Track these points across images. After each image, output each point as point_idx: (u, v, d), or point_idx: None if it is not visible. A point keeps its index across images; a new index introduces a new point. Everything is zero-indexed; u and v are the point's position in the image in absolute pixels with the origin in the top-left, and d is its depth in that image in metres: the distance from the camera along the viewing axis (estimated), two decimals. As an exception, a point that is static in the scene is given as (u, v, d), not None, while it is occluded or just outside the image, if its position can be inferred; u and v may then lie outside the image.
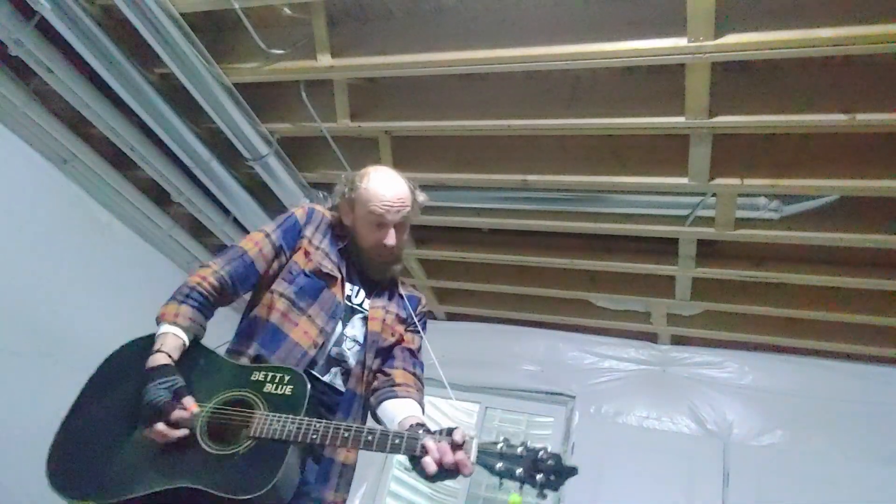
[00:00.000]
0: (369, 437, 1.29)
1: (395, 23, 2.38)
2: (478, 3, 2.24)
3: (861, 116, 2.02)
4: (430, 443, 1.26)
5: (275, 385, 1.39)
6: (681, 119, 2.20)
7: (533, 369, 3.81)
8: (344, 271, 1.65)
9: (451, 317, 4.18)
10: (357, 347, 1.61)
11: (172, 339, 1.40)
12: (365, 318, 1.64)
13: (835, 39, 1.82)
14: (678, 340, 3.69)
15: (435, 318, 4.15)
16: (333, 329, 1.57)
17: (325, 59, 2.40)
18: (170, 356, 1.37)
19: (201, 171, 2.94)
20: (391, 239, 1.63)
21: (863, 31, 1.79)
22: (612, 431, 3.45)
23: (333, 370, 1.57)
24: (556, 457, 1.21)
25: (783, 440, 3.22)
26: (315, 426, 1.31)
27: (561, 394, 3.68)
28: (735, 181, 2.41)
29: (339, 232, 1.71)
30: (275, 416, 1.33)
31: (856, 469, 3.02)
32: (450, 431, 1.27)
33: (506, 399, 3.84)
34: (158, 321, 1.43)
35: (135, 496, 1.29)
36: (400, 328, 1.70)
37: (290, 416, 1.32)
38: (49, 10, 2.17)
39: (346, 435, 1.29)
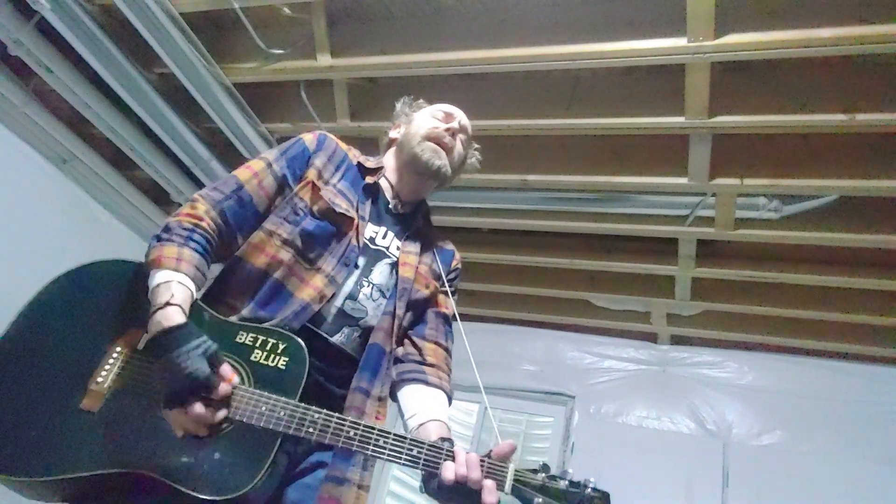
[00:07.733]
0: (380, 442, 1.06)
1: (395, 23, 2.38)
2: (478, 3, 2.24)
3: (861, 116, 2.02)
4: (458, 451, 1.07)
5: (265, 353, 1.12)
6: (681, 119, 2.20)
7: (533, 369, 3.80)
8: (366, 211, 1.38)
9: (451, 317, 4.17)
10: (382, 300, 1.34)
11: (182, 290, 1.10)
12: (394, 265, 1.38)
13: (835, 39, 1.82)
14: (678, 340, 3.69)
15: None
16: (346, 278, 1.29)
17: (324, 59, 2.40)
18: (184, 312, 1.08)
19: (201, 170, 2.95)
20: (456, 122, 1.50)
21: (863, 31, 1.79)
22: (611, 431, 3.45)
23: (346, 330, 1.28)
24: (606, 496, 1.04)
25: (783, 440, 3.22)
26: (313, 416, 1.06)
27: (561, 394, 3.68)
28: (735, 181, 2.41)
29: (368, 165, 1.46)
30: (262, 395, 1.07)
31: (856, 469, 3.01)
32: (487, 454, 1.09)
33: (505, 399, 3.84)
34: (153, 266, 1.13)
35: (66, 476, 1.03)
36: (434, 282, 1.45)
37: (282, 398, 1.07)
38: (49, 10, 2.17)
39: (352, 434, 1.06)
